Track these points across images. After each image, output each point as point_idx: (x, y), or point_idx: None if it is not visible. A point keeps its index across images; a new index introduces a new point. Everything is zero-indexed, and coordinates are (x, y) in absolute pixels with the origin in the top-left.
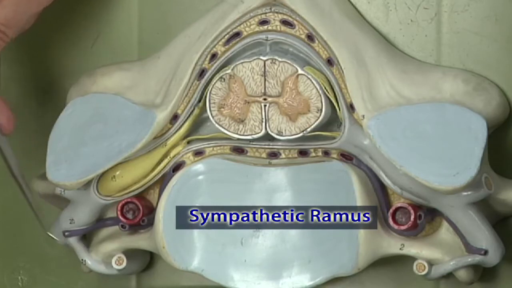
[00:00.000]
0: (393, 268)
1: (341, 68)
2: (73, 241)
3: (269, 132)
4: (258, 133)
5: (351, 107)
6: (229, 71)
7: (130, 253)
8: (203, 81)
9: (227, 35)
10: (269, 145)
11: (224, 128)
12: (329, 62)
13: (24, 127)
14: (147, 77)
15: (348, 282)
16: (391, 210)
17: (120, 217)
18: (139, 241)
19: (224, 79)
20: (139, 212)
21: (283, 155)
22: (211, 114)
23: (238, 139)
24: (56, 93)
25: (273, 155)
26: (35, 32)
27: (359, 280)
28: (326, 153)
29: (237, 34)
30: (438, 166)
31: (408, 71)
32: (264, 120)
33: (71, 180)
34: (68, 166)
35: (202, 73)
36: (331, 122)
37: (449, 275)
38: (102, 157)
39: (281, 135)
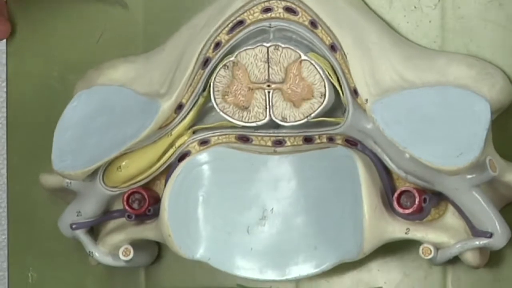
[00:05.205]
0: (400, 255)
1: (344, 53)
2: (80, 233)
3: (273, 118)
4: (262, 119)
5: (354, 92)
6: (232, 58)
7: (138, 245)
8: (207, 69)
9: (231, 24)
10: (274, 132)
11: (229, 116)
12: (332, 48)
13: (31, 122)
14: (152, 68)
15: (356, 268)
16: (396, 194)
17: (126, 207)
18: (146, 231)
19: (227, 67)
20: (145, 202)
21: (288, 143)
22: (215, 102)
23: (243, 126)
24: (63, 88)
25: (278, 143)
26: (41, 28)
27: (367, 268)
28: (330, 139)
29: (241, 22)
30: (442, 147)
31: (412, 57)
32: (268, 107)
33: (76, 169)
34: (73, 157)
35: (206, 62)
36: (336, 108)
37: (456, 260)
38: (107, 146)
39: (285, 121)
